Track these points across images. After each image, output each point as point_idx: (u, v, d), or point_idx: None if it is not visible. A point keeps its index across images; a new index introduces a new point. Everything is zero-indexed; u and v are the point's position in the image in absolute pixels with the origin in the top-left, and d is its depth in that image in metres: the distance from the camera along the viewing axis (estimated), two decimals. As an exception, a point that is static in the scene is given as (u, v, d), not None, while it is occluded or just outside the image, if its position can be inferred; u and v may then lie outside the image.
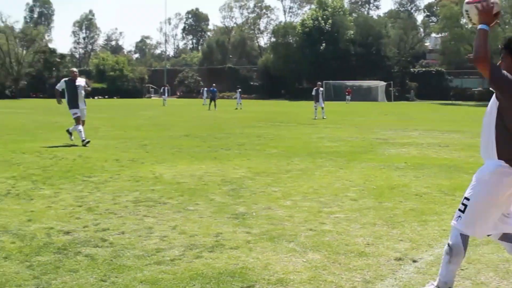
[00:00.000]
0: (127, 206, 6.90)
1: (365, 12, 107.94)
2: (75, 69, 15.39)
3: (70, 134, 14.62)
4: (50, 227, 5.85)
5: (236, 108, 41.95)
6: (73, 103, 14.65)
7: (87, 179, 8.92)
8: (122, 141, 15.12)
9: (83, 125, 14.58)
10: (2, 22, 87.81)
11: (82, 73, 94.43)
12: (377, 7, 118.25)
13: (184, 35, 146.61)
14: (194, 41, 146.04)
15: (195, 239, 5.41)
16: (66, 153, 12.61)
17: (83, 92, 14.80)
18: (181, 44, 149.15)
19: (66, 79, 15.00)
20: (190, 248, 5.10)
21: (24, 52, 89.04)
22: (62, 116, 27.83)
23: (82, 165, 10.56)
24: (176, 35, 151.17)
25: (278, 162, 11.15)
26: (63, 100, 14.91)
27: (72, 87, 14.61)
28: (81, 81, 14.91)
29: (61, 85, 14.84)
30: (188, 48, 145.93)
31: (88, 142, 14.06)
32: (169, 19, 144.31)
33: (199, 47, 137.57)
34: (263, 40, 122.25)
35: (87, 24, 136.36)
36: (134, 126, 21.49)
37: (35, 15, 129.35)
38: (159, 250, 5.05)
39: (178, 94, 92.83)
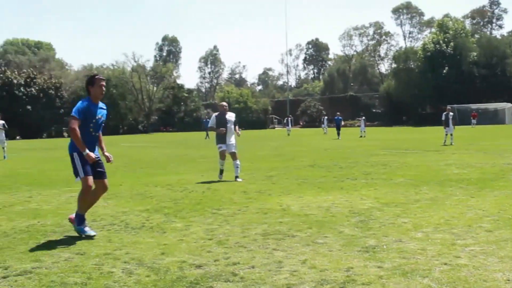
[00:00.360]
0: (256, 239, 6.91)
1: (488, 33, 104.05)
2: (225, 103, 14.94)
3: (221, 172, 14.32)
4: (182, 260, 5.97)
5: (361, 136, 41.50)
6: (221, 138, 14.23)
7: (216, 212, 9.09)
8: (248, 173, 15.33)
9: (234, 158, 14.11)
10: (135, 61, 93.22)
11: (208, 107, 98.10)
12: (500, 27, 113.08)
13: (305, 65, 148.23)
14: (315, 70, 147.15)
15: (325, 274, 5.29)
16: (196, 185, 12.97)
17: (232, 127, 14.28)
18: (302, 74, 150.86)
19: (217, 113, 14.55)
20: (321, 284, 4.99)
21: (155, 88, 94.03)
22: (190, 149, 28.80)
23: (211, 198, 10.80)
24: (297, 65, 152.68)
25: (406, 192, 10.82)
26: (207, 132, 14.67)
27: (222, 122, 14.18)
28: (231, 116, 14.43)
29: (212, 121, 14.38)
30: (310, 78, 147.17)
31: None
32: (290, 50, 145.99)
33: (320, 77, 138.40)
34: (384, 67, 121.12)
35: (212, 59, 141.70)
36: (260, 157, 21.79)
37: (164, 53, 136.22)
38: (290, 285, 4.97)
39: (301, 123, 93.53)
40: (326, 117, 58.67)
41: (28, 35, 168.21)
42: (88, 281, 5.30)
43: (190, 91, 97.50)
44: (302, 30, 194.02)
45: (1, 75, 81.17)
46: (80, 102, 7.41)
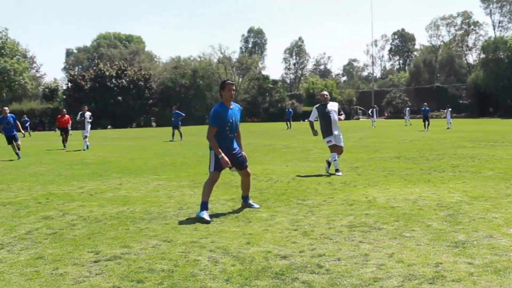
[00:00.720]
0: (341, 231, 6.83)
1: None
2: (325, 93, 13.62)
3: (329, 164, 13.51)
4: (267, 250, 5.98)
5: (448, 128, 40.36)
6: (326, 130, 13.30)
7: (301, 202, 9.06)
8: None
9: (340, 153, 13.47)
10: (221, 53, 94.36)
11: (293, 97, 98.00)
12: None
13: (391, 56, 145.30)
14: (401, 61, 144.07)
15: (413, 269, 5.15)
16: (280, 175, 12.99)
17: (336, 117, 13.28)
18: (387, 65, 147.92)
19: (317, 105, 13.48)
20: (409, 279, 4.86)
21: (240, 79, 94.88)
22: (275, 139, 28.86)
23: (296, 188, 10.77)
24: (382, 56, 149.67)
25: (496, 186, 10.39)
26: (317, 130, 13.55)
27: (324, 113, 13.23)
28: (333, 105, 13.45)
29: (313, 115, 13.47)
30: (395, 68, 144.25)
31: (338, 171, 13.00)
32: (376, 41, 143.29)
33: (406, 67, 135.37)
34: (472, 57, 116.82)
35: (297, 50, 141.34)
36: (345, 148, 21.48)
37: (250, 45, 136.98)
38: (376, 279, 4.88)
39: (386, 114, 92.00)
40: (408, 109, 57.25)
41: (120, 29, 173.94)
42: (175, 268, 5.40)
43: (275, 82, 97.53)
44: (388, 20, 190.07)
45: (94, 67, 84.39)
46: (213, 109, 8.17)
